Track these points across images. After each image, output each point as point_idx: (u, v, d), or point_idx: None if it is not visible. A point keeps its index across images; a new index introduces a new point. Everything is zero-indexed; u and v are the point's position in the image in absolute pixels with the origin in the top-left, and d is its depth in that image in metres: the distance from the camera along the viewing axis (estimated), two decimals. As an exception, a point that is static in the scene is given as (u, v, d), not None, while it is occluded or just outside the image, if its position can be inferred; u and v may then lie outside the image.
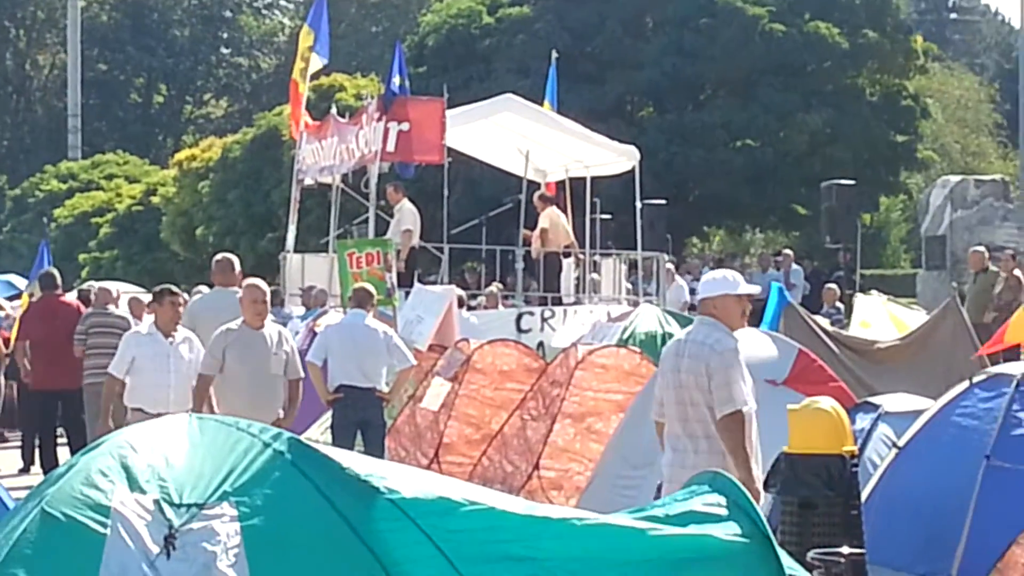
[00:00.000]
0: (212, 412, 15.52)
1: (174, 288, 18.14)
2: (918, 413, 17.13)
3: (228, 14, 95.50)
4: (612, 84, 53.29)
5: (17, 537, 8.21)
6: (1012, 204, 46.86)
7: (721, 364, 12.35)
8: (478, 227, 35.17)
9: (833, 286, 34.67)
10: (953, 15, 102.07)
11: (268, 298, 17.59)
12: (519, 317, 28.02)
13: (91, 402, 24.38)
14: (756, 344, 18.88)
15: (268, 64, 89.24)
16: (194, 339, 17.44)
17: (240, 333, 16.52)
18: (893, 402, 17.05)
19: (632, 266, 35.05)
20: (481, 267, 35.38)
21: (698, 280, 38.23)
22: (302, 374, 17.19)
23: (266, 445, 8.51)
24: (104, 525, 8.08)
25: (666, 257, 35.76)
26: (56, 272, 28.69)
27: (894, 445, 16.19)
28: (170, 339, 16.93)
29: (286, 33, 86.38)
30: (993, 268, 30.71)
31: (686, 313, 27.02)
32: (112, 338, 24.73)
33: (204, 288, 24.86)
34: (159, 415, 10.87)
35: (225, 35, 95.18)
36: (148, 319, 26.70)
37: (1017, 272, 30.97)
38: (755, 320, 27.12)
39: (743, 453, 12.13)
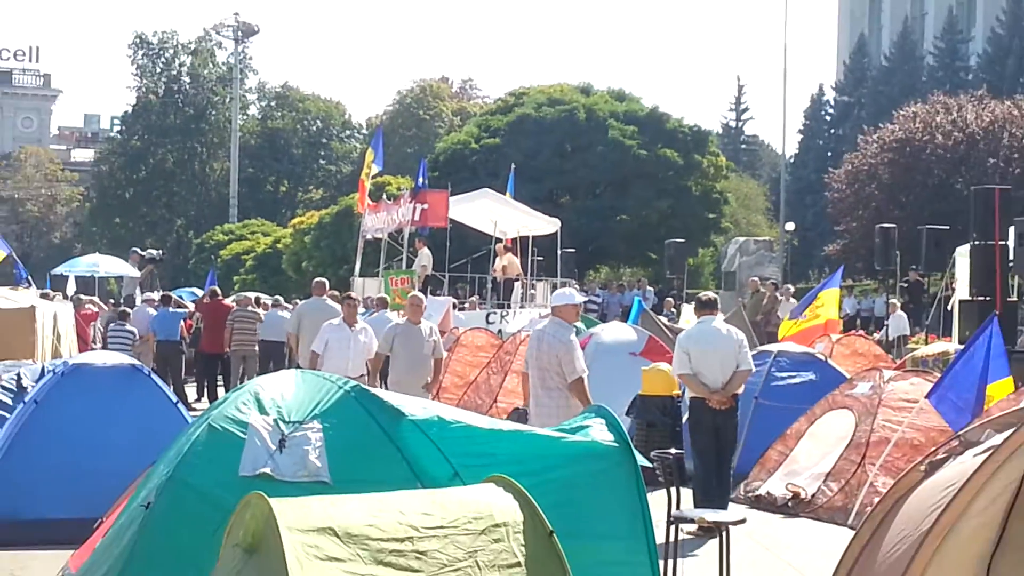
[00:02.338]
0: (382, 378, 15.05)
1: (352, 294, 17.44)
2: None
3: (324, 140, 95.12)
4: (546, 183, 53.13)
5: (193, 439, 8.28)
6: (774, 253, 46.96)
7: (566, 351, 12.22)
8: (466, 263, 35.21)
9: (670, 299, 34.67)
10: (743, 145, 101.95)
11: (425, 303, 16.82)
12: (488, 315, 27.92)
13: (234, 360, 24.58)
14: (624, 332, 18.88)
15: (347, 169, 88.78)
16: (368, 329, 16.53)
17: (405, 327, 15.51)
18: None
19: (553, 287, 35.05)
20: (467, 286, 35.23)
21: (592, 293, 38.76)
22: (444, 354, 16.09)
23: (340, 388, 8.54)
24: (244, 433, 8.13)
25: (573, 281, 35.78)
26: (218, 288, 28.80)
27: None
28: (352, 329, 16.02)
29: (358, 151, 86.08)
30: (762, 289, 30.75)
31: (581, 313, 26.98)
32: (247, 324, 24.81)
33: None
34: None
35: (322, 152, 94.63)
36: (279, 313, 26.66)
37: (777, 293, 31.16)
38: (625, 317, 27.10)
39: (587, 399, 11.90)
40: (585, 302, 35.23)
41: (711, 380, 12.58)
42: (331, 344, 15.63)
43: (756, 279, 33.68)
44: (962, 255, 26.87)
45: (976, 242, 22.97)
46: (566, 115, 57.62)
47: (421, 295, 16.38)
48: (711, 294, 14.42)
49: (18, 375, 13.87)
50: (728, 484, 12.87)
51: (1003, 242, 22.40)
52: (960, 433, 5.52)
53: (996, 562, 4.48)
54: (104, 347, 22.37)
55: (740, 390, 12.99)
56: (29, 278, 33.07)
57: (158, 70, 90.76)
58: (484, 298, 31.90)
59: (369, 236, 32.30)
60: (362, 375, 15.27)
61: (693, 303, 14.73)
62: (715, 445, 12.64)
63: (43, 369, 13.68)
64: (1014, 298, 22.24)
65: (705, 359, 12.61)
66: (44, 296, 24.70)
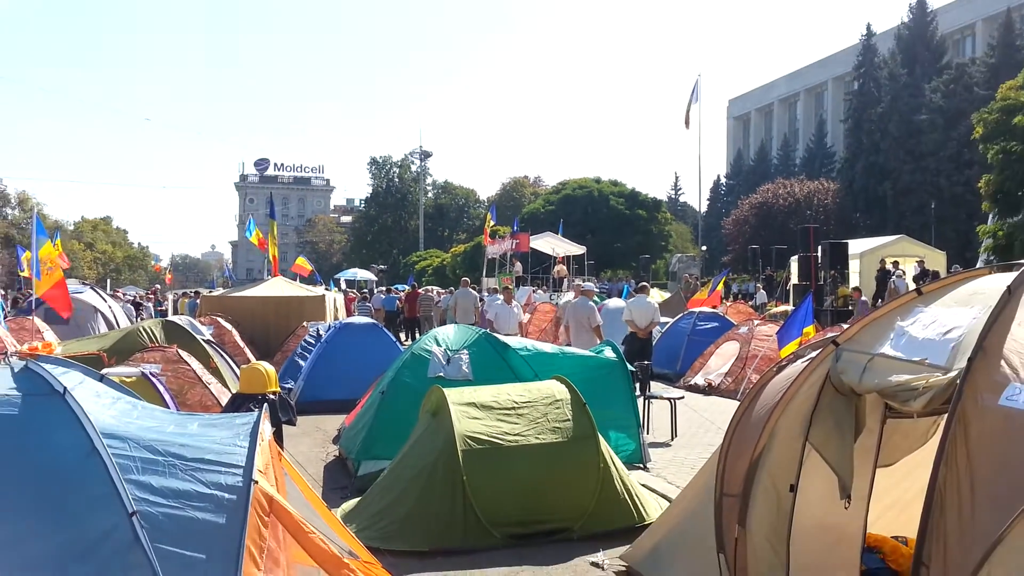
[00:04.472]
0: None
1: (509, 286, 15.47)
2: (667, 323, 16.97)
3: (467, 209, 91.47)
4: (577, 228, 52.29)
5: (405, 359, 8.26)
6: (696, 261, 46.08)
7: (591, 312, 12.31)
8: (538, 270, 35.06)
9: (644, 286, 34.11)
10: (679, 207, 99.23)
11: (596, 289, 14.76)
12: (551, 296, 27.43)
13: (422, 321, 24.01)
14: (619, 303, 18.61)
15: (478, 223, 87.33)
16: (519, 304, 14.20)
17: (580, 301, 12.58)
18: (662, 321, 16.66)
19: (583, 281, 34.87)
20: (540, 281, 35.08)
21: (603, 284, 38.21)
22: (600, 322, 12.37)
23: (476, 333, 8.51)
24: (429, 355, 8.07)
25: (594, 278, 35.46)
26: (416, 283, 28.76)
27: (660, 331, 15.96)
28: (509, 305, 14.19)
29: (483, 215, 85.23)
30: (690, 281, 30.27)
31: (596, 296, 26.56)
32: (428, 302, 24.51)
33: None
34: (504, 335, 9.58)
35: (465, 215, 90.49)
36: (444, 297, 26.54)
37: (697, 282, 30.59)
38: (620, 296, 26.77)
39: (601, 337, 11.74)
40: (599, 288, 35.08)
41: (640, 324, 12.51)
42: (499, 314, 14.30)
43: (687, 275, 33.21)
44: (794, 261, 26.40)
45: (801, 254, 22.63)
46: (587, 194, 57.10)
47: (592, 285, 14.56)
48: (645, 284, 14.24)
49: (317, 329, 14.16)
50: (649, 376, 11.76)
51: (815, 254, 22.13)
52: (792, 352, 5.48)
53: (814, 419, 4.48)
54: (357, 314, 22.63)
55: (655, 330, 13.32)
56: (321, 281, 33.86)
57: (382, 175, 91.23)
58: (548, 287, 31.73)
59: (489, 257, 32.29)
60: (515, 332, 13.74)
61: (637, 287, 14.40)
62: (641, 357, 12.05)
63: (330, 326, 13.92)
64: (821, 283, 21.80)
65: (638, 314, 12.61)
66: (324, 289, 24.99)
